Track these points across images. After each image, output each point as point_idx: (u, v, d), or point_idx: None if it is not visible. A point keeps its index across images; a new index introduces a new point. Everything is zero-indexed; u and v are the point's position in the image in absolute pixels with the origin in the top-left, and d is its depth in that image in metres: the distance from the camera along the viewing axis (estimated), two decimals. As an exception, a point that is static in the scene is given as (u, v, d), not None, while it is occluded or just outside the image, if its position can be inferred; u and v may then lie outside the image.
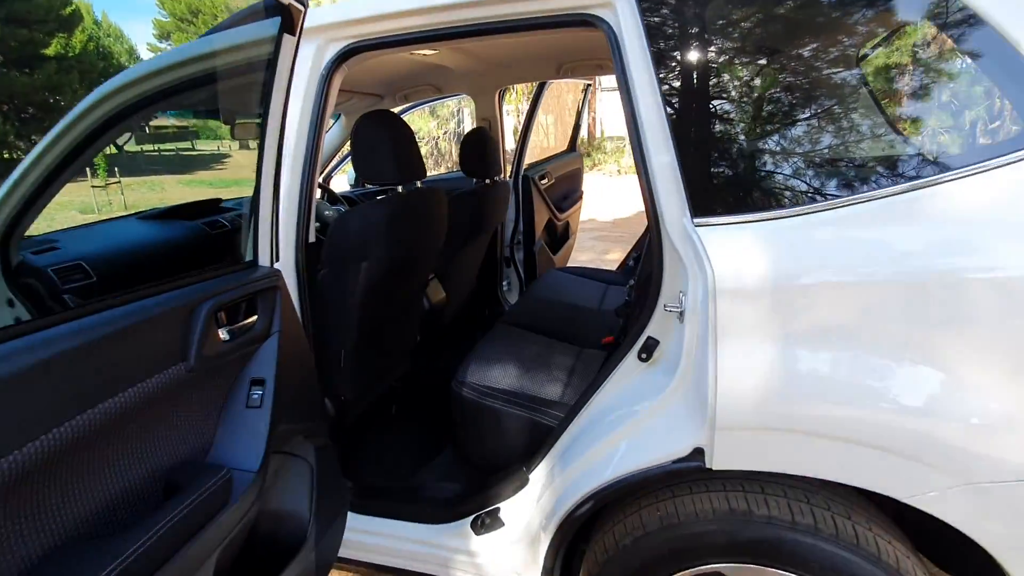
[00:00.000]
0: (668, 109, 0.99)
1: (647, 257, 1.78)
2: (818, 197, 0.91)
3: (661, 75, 1.00)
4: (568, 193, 3.39)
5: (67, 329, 0.68)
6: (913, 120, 0.94)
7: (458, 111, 12.33)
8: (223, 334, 0.90)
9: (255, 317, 0.99)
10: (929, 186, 0.84)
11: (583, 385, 1.52)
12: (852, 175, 0.91)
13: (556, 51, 2.17)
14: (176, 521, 0.70)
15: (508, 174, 2.81)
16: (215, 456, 0.89)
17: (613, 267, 5.11)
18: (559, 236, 3.26)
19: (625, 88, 1.04)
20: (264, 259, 1.11)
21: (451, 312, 2.41)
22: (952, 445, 0.84)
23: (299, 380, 1.10)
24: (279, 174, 1.11)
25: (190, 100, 1.66)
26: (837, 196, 0.89)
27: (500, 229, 2.82)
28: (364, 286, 1.47)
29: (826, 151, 0.95)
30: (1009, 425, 0.82)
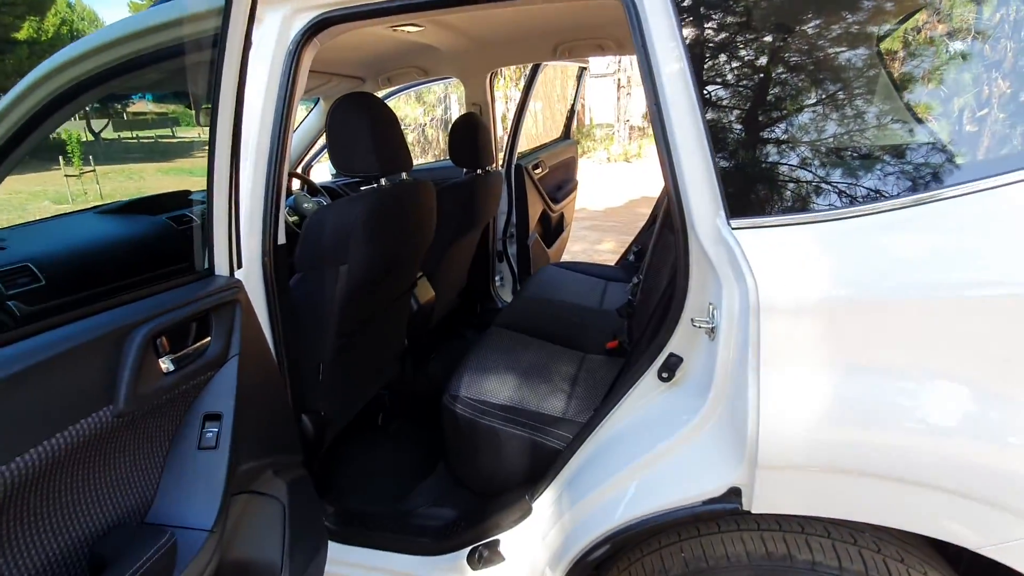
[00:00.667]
0: (699, 89, 0.84)
1: (656, 255, 1.64)
2: (894, 192, 0.77)
3: (690, 46, 0.85)
4: (562, 183, 3.23)
5: None
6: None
7: (445, 97, 12.04)
8: (166, 364, 0.74)
9: (208, 339, 0.83)
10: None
11: (589, 397, 1.39)
12: (932, 169, 0.77)
13: (552, 29, 2.00)
14: None
15: (500, 163, 2.64)
16: (157, 513, 0.74)
17: (607, 258, 4.98)
18: (553, 228, 3.10)
19: (646, 65, 0.89)
20: (222, 268, 0.95)
21: (440, 312, 2.25)
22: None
23: (266, 409, 0.95)
24: (236, 168, 0.94)
25: (139, 84, 1.47)
26: (923, 190, 0.75)
27: (492, 222, 2.66)
28: (344, 292, 1.31)
29: (895, 141, 0.81)
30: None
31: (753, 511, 0.81)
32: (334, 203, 1.34)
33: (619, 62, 12.85)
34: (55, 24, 21.39)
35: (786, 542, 0.87)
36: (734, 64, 0.87)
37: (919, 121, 0.82)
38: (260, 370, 0.93)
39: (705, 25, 0.87)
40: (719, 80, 0.87)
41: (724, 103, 0.87)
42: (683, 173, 0.86)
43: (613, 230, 6.69)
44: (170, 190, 2.33)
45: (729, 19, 0.87)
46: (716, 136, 0.83)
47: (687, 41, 0.85)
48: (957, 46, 0.85)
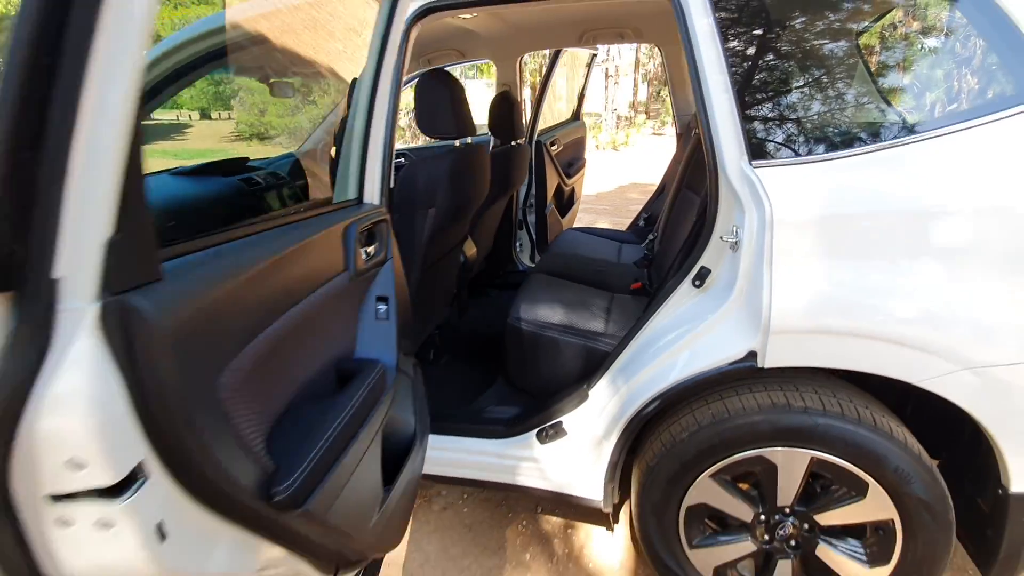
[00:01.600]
0: (731, 71, 1.16)
1: (675, 210, 1.97)
2: (858, 144, 1.11)
3: (723, 36, 1.17)
4: (573, 160, 3.55)
5: (278, 232, 0.82)
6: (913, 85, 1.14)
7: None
8: (363, 255, 1.04)
9: (376, 244, 1.13)
10: (943, 135, 1.05)
11: (623, 322, 1.72)
12: (887, 127, 1.12)
13: (581, 18, 2.30)
14: (363, 398, 0.85)
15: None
16: (359, 356, 1.04)
17: (604, 236, 5.32)
18: (566, 200, 3.42)
19: (689, 49, 1.20)
20: (368, 197, 1.25)
21: (475, 269, 2.56)
22: (952, 338, 1.07)
23: (403, 302, 1.25)
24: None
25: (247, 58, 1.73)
26: (874, 143, 1.10)
27: (515, 192, 2.96)
28: (429, 231, 1.62)
29: (865, 107, 1.15)
30: (999, 322, 1.05)
31: (766, 366, 1.15)
32: (422, 159, 1.63)
33: (608, 52, 13.14)
34: (26, -1, 20.66)
35: (786, 396, 1.22)
36: (755, 47, 1.20)
37: (884, 95, 1.17)
38: (400, 273, 1.23)
39: (734, 19, 1.20)
40: (744, 60, 1.20)
41: (747, 76, 1.19)
42: (717, 128, 1.19)
43: (605, 212, 7.05)
44: (232, 157, 2.59)
45: (751, 14, 1.19)
46: (741, 101, 1.16)
47: (722, 33, 1.17)
48: (920, 40, 1.20)
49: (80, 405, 0.42)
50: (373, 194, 1.35)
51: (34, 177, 0.40)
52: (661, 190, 2.84)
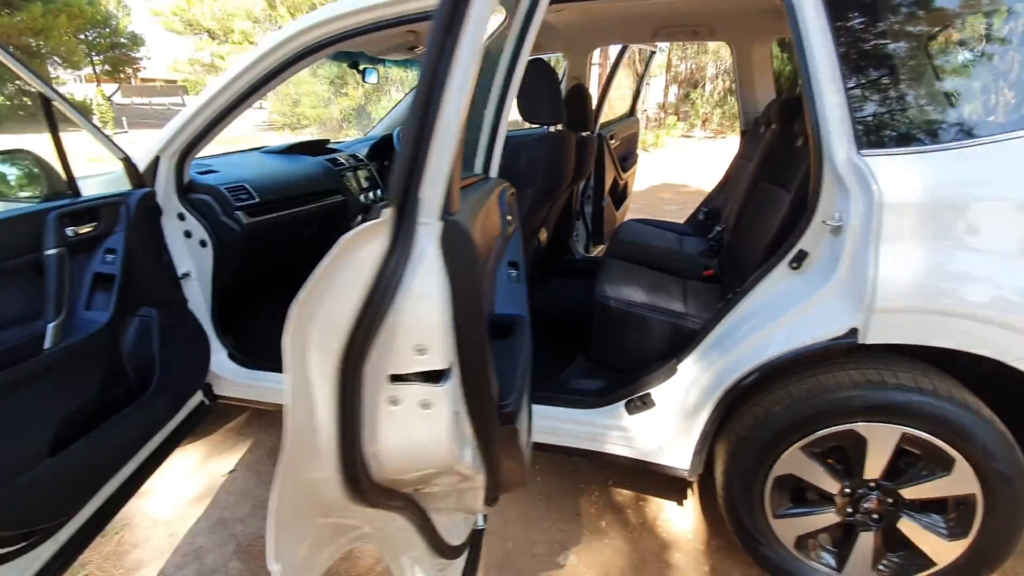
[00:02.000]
0: (841, 65, 1.24)
1: (753, 201, 2.05)
2: (964, 136, 1.19)
3: (836, 35, 1.25)
4: (627, 155, 3.63)
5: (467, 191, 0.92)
6: None
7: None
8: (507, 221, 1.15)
9: (511, 215, 1.24)
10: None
11: (699, 305, 1.81)
12: (991, 120, 1.19)
13: (658, 14, 2.38)
14: (524, 346, 0.96)
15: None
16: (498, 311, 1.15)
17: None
18: (620, 193, 3.51)
19: (800, 43, 1.28)
20: (493, 173, 1.35)
21: (543, 253, 2.66)
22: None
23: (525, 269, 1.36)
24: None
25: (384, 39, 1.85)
26: (980, 136, 1.18)
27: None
28: (525, 211, 1.72)
29: (970, 102, 1.23)
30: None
31: (868, 342, 1.23)
32: (525, 141, 1.74)
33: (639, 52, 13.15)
34: (70, -16, 21.17)
35: (880, 374, 1.29)
36: (866, 42, 1.27)
37: (991, 90, 1.24)
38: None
39: (844, 15, 1.27)
40: (855, 54, 1.27)
41: (858, 70, 1.27)
42: (826, 120, 1.26)
43: (639, 212, 7.07)
44: (312, 140, 2.73)
45: (861, 10, 1.27)
46: (851, 93, 1.24)
47: (834, 29, 1.25)
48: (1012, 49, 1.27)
49: (432, 301, 0.52)
50: (493, 171, 1.46)
51: (422, 130, 0.52)
52: (723, 185, 2.91)
